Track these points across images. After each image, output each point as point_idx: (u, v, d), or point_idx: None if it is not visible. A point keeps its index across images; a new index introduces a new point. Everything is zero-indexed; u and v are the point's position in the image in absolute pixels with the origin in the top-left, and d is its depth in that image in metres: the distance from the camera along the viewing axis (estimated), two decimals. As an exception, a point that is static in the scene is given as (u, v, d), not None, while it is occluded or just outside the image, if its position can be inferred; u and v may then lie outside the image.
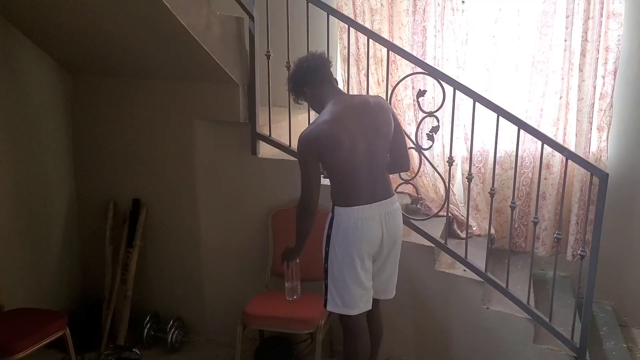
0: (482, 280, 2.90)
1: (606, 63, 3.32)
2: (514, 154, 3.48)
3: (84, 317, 3.30)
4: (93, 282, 3.45)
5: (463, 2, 3.54)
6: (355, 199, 2.38)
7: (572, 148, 3.42)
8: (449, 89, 2.79)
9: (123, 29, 2.70)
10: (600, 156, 3.43)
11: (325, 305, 2.51)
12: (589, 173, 3.33)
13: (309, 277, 2.95)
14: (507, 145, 3.44)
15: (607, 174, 2.52)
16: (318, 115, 2.46)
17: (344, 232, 2.40)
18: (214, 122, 3.11)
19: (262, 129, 3.11)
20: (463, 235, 3.48)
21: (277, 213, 3.16)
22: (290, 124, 3.10)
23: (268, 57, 2.99)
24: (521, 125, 2.66)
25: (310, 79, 2.44)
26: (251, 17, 2.92)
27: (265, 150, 3.16)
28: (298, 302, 2.71)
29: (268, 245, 3.16)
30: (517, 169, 3.55)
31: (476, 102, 2.73)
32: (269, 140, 3.10)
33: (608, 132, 3.40)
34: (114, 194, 3.37)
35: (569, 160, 2.70)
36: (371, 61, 3.55)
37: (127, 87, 3.20)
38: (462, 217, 3.50)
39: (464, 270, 2.97)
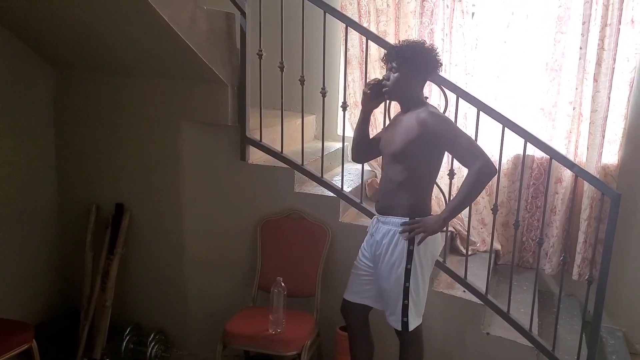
0: (482, 303, 2.68)
1: (622, 73, 3.11)
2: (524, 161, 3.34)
3: (60, 327, 3.13)
4: (72, 289, 3.29)
5: (474, 5, 3.34)
6: (430, 207, 2.34)
7: (583, 161, 3.21)
8: (452, 96, 2.59)
9: (106, 23, 2.53)
10: (611, 171, 3.21)
11: (407, 329, 2.32)
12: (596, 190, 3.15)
13: (297, 294, 2.78)
14: (517, 151, 3.23)
15: (620, 194, 2.31)
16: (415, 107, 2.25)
17: (431, 245, 2.29)
18: (202, 124, 2.93)
19: (253, 133, 2.93)
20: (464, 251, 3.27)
21: (267, 223, 2.97)
22: (282, 128, 2.92)
23: (260, 56, 2.81)
24: (528, 138, 2.45)
25: (433, 72, 2.30)
26: (243, 13, 2.74)
27: (256, 156, 2.98)
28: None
29: (256, 257, 2.97)
30: (527, 180, 3.37)
31: (480, 112, 2.52)
32: (259, 145, 2.92)
33: (620, 146, 3.19)
34: (97, 197, 3.20)
35: (575, 176, 2.49)
36: (376, 65, 3.37)
37: (113, 85, 3.04)
38: (465, 233, 3.28)
39: (464, 292, 2.76)
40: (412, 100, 2.26)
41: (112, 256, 3.11)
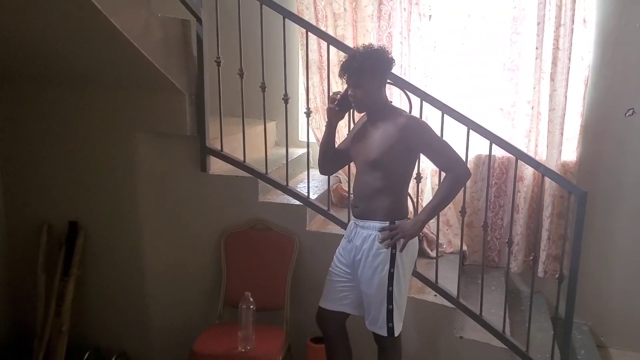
0: (454, 307, 2.66)
1: (577, 72, 3.17)
2: (485, 161, 3.35)
3: (12, 356, 2.93)
4: (23, 315, 3.08)
5: (430, 7, 3.34)
6: (407, 208, 2.33)
7: (543, 159, 3.25)
8: (416, 100, 2.57)
9: (55, 33, 2.37)
10: (570, 168, 3.26)
11: (392, 334, 2.28)
12: (558, 186, 3.19)
13: (265, 308, 2.69)
14: (479, 151, 3.24)
15: (586, 192, 2.33)
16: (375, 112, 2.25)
17: (412, 247, 2.27)
18: (159, 135, 2.81)
19: (213, 142, 2.83)
20: (433, 254, 3.25)
21: (231, 235, 2.87)
22: (244, 136, 2.83)
23: (218, 63, 2.72)
24: (494, 139, 2.45)
25: (390, 71, 2.25)
26: (199, 20, 2.64)
27: (217, 166, 2.87)
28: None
29: (221, 271, 2.86)
30: (489, 180, 3.38)
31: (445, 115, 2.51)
32: (220, 155, 2.82)
33: (578, 143, 3.25)
34: (48, 216, 3.02)
35: (541, 176, 2.50)
36: (336, 69, 3.31)
37: (63, 96, 2.87)
38: (432, 235, 3.27)
39: (435, 296, 2.74)
40: (381, 106, 2.24)
41: (67, 278, 2.93)
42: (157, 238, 2.93)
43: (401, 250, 2.21)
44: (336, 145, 2.46)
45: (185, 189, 2.87)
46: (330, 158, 2.44)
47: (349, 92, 2.21)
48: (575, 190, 2.33)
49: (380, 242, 2.21)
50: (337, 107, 2.28)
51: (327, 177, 2.90)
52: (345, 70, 2.19)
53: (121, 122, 2.80)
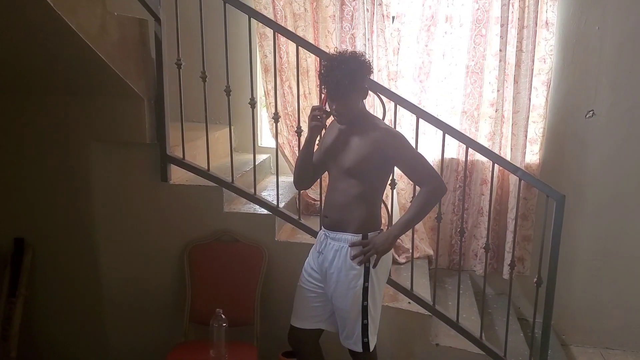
0: (430, 314, 2.62)
1: (540, 74, 3.20)
2: (448, 165, 3.33)
3: (-47, 389, 2.67)
4: (-36, 342, 2.80)
5: (393, 9, 3.26)
6: (381, 219, 2.25)
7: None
8: (388, 103, 2.50)
9: (3, 31, 2.14)
10: (534, 170, 3.29)
11: (367, 349, 2.19)
12: (522, 187, 3.20)
13: (234, 323, 2.55)
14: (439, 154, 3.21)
15: (564, 195, 2.33)
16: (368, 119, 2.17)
17: (385, 259, 2.19)
18: (116, 144, 2.62)
19: (174, 150, 2.66)
20: (401, 260, 3.22)
21: (195, 248, 2.71)
22: (208, 142, 2.68)
23: (179, 66, 2.55)
24: (470, 143, 2.42)
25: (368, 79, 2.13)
26: (157, 20, 2.47)
27: (179, 175, 2.71)
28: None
29: (185, 286, 2.70)
30: (454, 184, 3.38)
31: (420, 119, 2.45)
32: (182, 163, 2.66)
33: (541, 145, 3.28)
34: (-10, 233, 2.76)
35: (519, 180, 2.48)
36: (294, 72, 3.21)
37: (8, 105, 2.63)
38: (398, 241, 3.21)
39: (409, 303, 2.68)
40: (360, 115, 2.14)
41: (13, 299, 2.70)
42: (115, 253, 2.74)
43: (374, 267, 2.13)
44: None
45: (144, 201, 2.69)
46: (310, 172, 2.32)
47: (333, 107, 2.09)
48: (554, 194, 2.33)
49: (351, 259, 2.12)
50: (322, 123, 2.16)
51: (293, 183, 2.79)
52: (326, 83, 2.04)
53: (75, 131, 2.60)
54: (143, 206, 2.70)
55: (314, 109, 2.14)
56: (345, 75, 1.98)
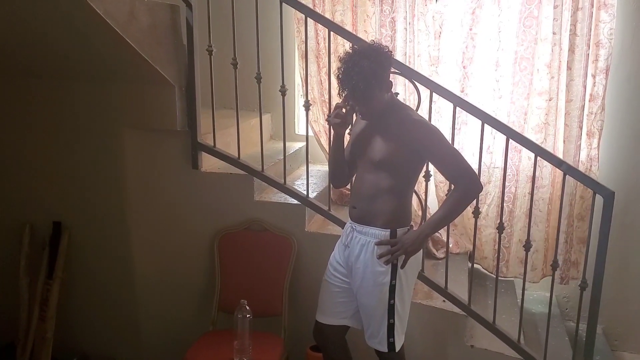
0: (464, 314, 2.49)
1: (597, 60, 2.95)
2: (495, 165, 3.14)
3: (-7, 365, 2.78)
4: (4, 321, 2.91)
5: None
6: (411, 214, 2.13)
7: (560, 156, 3.03)
8: (424, 91, 2.37)
9: (35, 22, 2.16)
10: (591, 165, 3.05)
11: (393, 349, 2.11)
12: (578, 185, 2.99)
13: (262, 314, 2.52)
14: (484, 156, 3.02)
15: (613, 192, 2.14)
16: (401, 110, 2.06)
17: (415, 258, 2.10)
18: (147, 131, 2.62)
19: (205, 137, 2.63)
20: (439, 254, 3.08)
21: (225, 237, 2.69)
22: (238, 130, 2.64)
23: (210, 52, 2.52)
24: (510, 134, 2.26)
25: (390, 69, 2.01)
26: (188, 5, 2.44)
27: (209, 163, 2.69)
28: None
29: (214, 275, 2.68)
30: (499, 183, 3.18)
31: (457, 107, 2.31)
32: (213, 151, 2.63)
33: (599, 138, 3.03)
34: (30, 216, 2.84)
35: (563, 174, 2.30)
36: (333, 57, 3.10)
37: (46, 91, 2.67)
38: (437, 234, 3.08)
39: (444, 301, 2.56)
40: (389, 106, 2.03)
41: (51, 281, 2.77)
42: (146, 239, 2.76)
43: (402, 267, 2.03)
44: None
45: (175, 188, 2.69)
46: (344, 169, 2.23)
47: (356, 108, 2.01)
48: (602, 190, 2.14)
49: (378, 258, 2.02)
50: (346, 121, 2.06)
51: (326, 173, 2.71)
52: (345, 87, 1.94)
53: (107, 117, 2.62)
54: (174, 193, 2.70)
55: (337, 106, 2.04)
56: (361, 80, 1.87)
